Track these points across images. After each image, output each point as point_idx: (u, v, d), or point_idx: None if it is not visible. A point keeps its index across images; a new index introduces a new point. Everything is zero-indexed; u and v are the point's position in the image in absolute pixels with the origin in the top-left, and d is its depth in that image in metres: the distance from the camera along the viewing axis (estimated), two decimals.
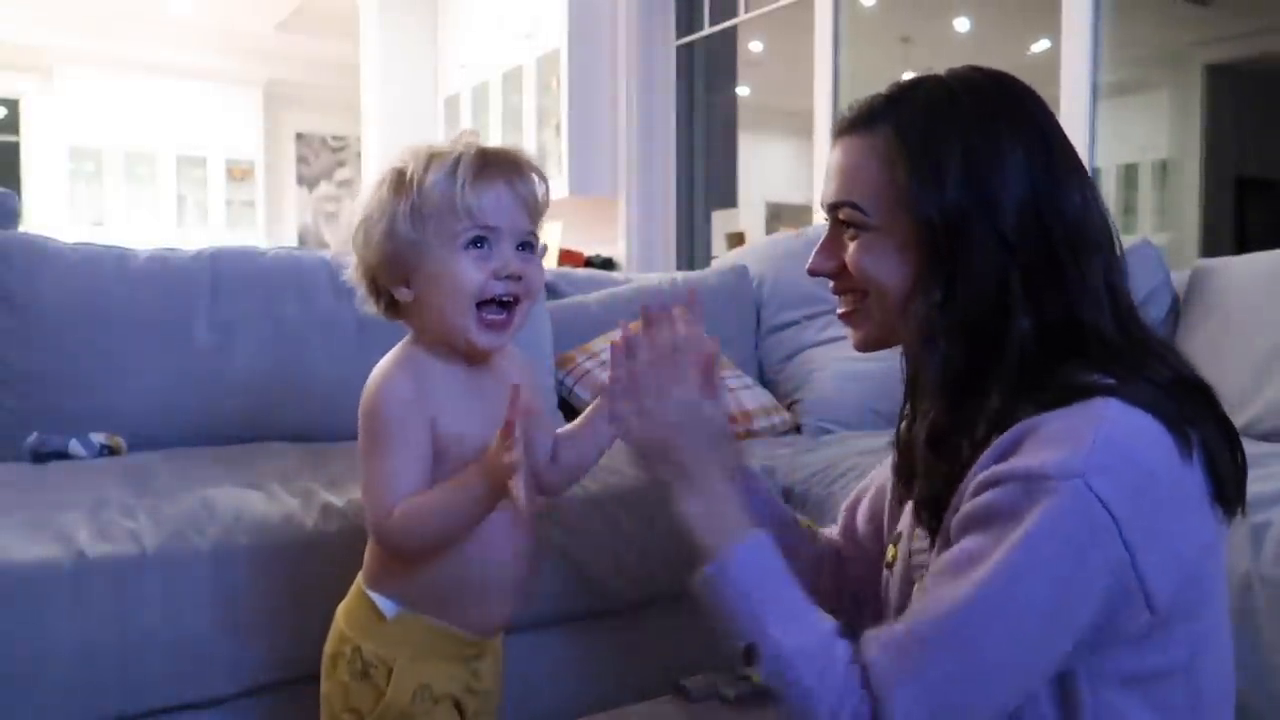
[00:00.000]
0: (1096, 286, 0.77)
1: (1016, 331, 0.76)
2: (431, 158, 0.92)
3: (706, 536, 0.80)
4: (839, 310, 0.90)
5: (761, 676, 0.74)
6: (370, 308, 1.00)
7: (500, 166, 0.93)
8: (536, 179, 0.96)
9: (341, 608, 1.02)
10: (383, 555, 0.98)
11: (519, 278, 0.94)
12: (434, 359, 0.97)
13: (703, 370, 0.89)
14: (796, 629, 0.75)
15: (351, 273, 0.98)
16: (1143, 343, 0.79)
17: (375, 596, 0.98)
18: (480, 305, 0.93)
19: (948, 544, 0.77)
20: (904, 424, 0.93)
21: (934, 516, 0.81)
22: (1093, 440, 0.69)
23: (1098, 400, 0.72)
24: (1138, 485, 0.70)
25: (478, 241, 0.92)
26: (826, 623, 0.77)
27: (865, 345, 0.89)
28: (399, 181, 0.93)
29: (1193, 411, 0.74)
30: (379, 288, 0.97)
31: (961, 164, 0.77)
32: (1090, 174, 0.82)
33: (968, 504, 0.74)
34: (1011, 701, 0.73)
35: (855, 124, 0.84)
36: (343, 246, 0.99)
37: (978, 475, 0.74)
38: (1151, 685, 0.74)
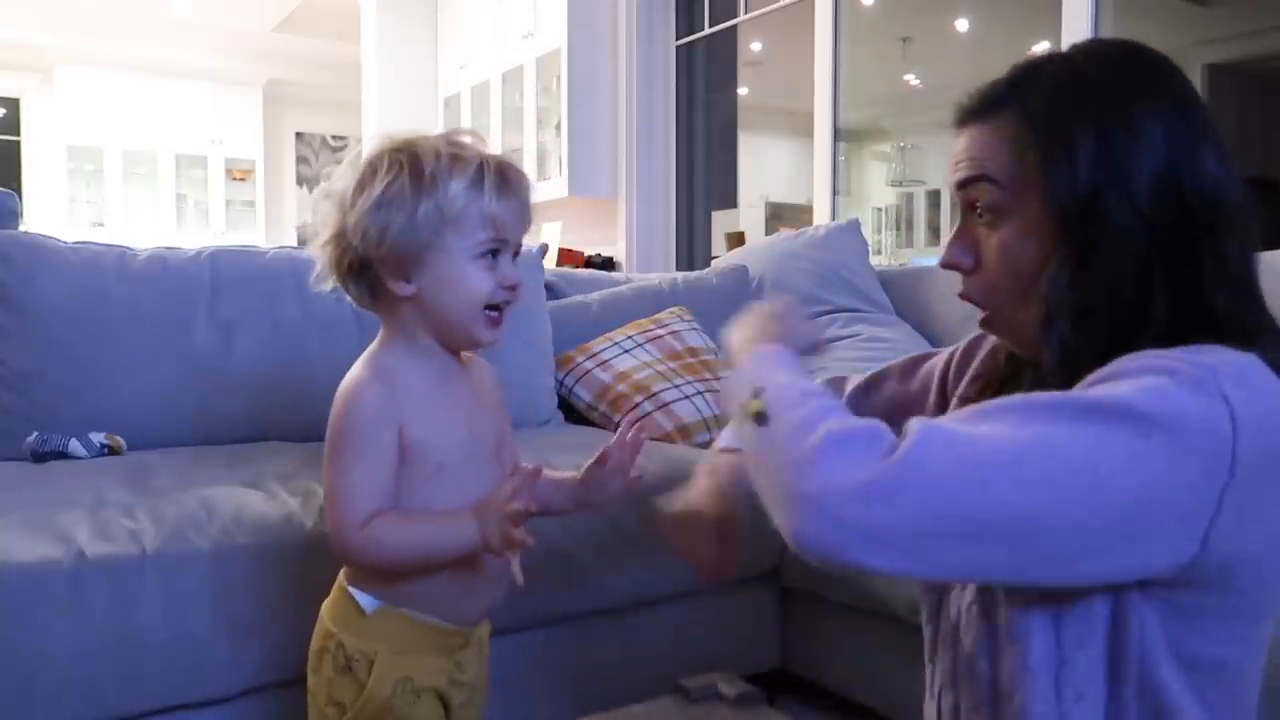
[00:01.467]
0: (1235, 273, 0.74)
1: (1151, 316, 0.73)
2: (454, 160, 0.94)
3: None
4: (979, 318, 0.85)
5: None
6: (327, 285, 1.00)
7: (516, 181, 0.98)
8: (529, 190, 1.02)
9: (325, 604, 1.03)
10: None
11: (514, 287, 0.99)
12: (407, 361, 0.99)
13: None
14: (802, 380, 0.77)
15: (320, 249, 0.98)
16: (1274, 330, 0.75)
17: (355, 592, 0.99)
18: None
19: None
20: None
21: None
22: (1235, 362, 0.66)
23: (1238, 351, 0.68)
24: (1266, 420, 0.64)
25: (490, 251, 0.97)
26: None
27: (1021, 346, 0.84)
28: (418, 176, 0.93)
29: None
30: (365, 275, 0.97)
31: (1094, 142, 0.74)
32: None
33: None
34: (1027, 521, 0.63)
35: (978, 112, 0.81)
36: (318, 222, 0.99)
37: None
38: (1203, 674, 0.72)
